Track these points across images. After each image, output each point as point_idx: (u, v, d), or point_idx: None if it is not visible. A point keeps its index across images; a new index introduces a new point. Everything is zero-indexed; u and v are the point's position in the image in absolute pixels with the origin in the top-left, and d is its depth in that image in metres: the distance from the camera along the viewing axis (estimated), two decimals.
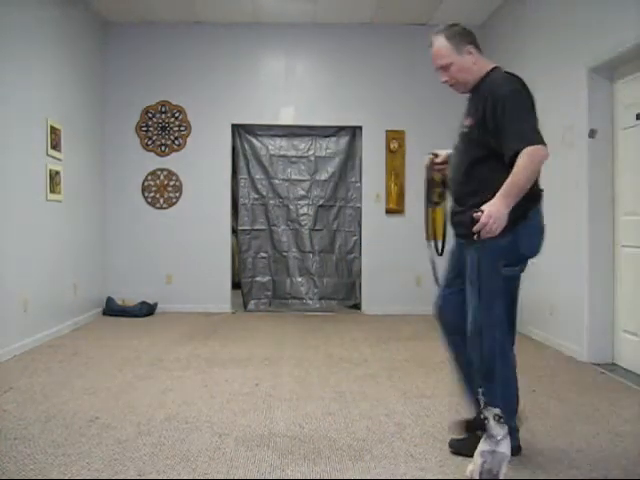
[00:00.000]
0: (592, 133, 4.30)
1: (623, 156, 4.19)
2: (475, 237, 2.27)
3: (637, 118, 3.99)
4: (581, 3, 4.48)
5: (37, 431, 2.80)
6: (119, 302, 6.37)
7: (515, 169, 2.28)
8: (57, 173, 5.25)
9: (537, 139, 2.36)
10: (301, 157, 6.90)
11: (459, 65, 2.47)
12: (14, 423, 2.90)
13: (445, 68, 2.49)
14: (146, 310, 6.30)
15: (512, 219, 2.28)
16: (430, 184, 2.77)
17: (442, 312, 2.74)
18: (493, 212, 2.23)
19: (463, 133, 2.51)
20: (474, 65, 2.49)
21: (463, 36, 2.49)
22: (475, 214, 2.25)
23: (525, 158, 2.28)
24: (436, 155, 2.73)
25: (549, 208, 5.26)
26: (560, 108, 4.76)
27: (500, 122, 2.34)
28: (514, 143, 2.31)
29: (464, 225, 2.38)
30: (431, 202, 2.78)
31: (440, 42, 2.48)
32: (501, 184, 2.27)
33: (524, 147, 2.29)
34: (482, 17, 6.47)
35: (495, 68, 2.51)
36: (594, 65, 4.23)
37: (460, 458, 2.51)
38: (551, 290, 4.93)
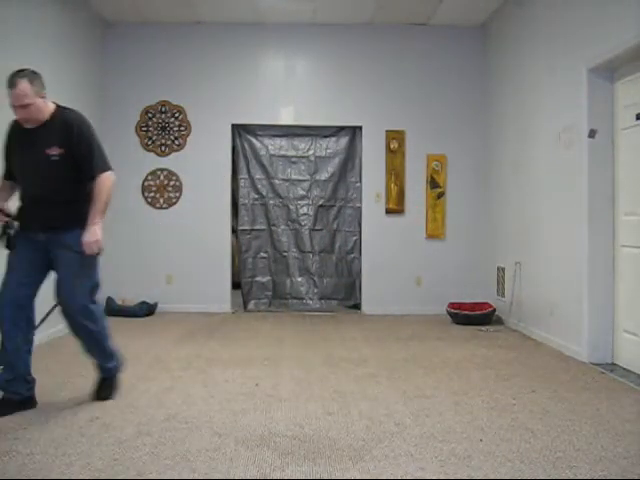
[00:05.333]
0: (592, 133, 4.30)
1: (623, 156, 4.19)
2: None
3: (637, 118, 3.99)
4: (581, 3, 4.48)
5: (37, 431, 2.80)
6: (119, 302, 6.37)
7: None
8: None
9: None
10: (301, 157, 6.90)
11: (37, 105, 3.00)
12: (14, 423, 2.90)
13: (26, 106, 2.95)
14: (146, 310, 6.30)
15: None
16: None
17: None
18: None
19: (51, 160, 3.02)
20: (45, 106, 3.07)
21: (42, 82, 3.03)
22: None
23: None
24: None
25: (550, 207, 5.26)
26: (560, 108, 4.76)
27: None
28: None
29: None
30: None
31: (24, 85, 2.92)
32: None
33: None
34: (482, 17, 6.47)
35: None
36: (594, 65, 4.23)
37: (460, 458, 2.51)
38: (551, 290, 4.93)
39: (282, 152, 6.89)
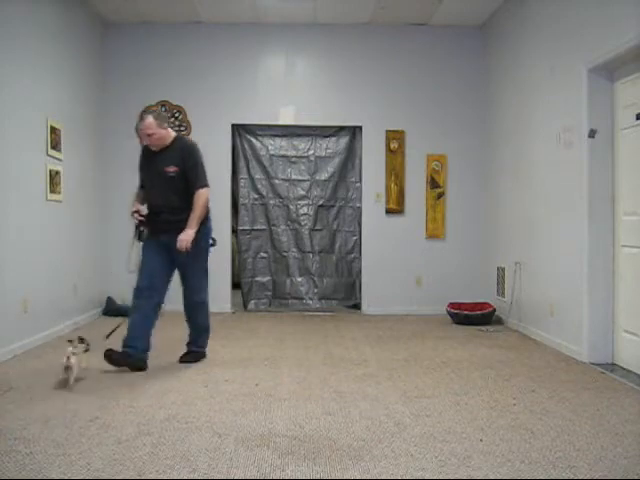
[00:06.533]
0: (592, 133, 4.30)
1: (623, 156, 4.19)
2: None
3: (637, 118, 3.98)
4: (581, 3, 4.48)
5: (37, 431, 2.80)
6: (119, 302, 6.36)
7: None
8: (57, 173, 5.24)
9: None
10: (301, 157, 6.90)
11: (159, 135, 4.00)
12: (14, 423, 2.90)
13: (150, 135, 3.97)
14: None
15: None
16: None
17: None
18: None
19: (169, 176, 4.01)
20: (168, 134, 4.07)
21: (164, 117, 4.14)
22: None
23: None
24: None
25: (550, 207, 5.26)
26: (560, 108, 4.76)
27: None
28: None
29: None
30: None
31: (150, 120, 3.95)
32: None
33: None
34: (482, 17, 6.47)
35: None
36: (594, 65, 4.23)
37: (460, 458, 2.51)
38: (551, 290, 4.93)
39: (282, 152, 6.89)
